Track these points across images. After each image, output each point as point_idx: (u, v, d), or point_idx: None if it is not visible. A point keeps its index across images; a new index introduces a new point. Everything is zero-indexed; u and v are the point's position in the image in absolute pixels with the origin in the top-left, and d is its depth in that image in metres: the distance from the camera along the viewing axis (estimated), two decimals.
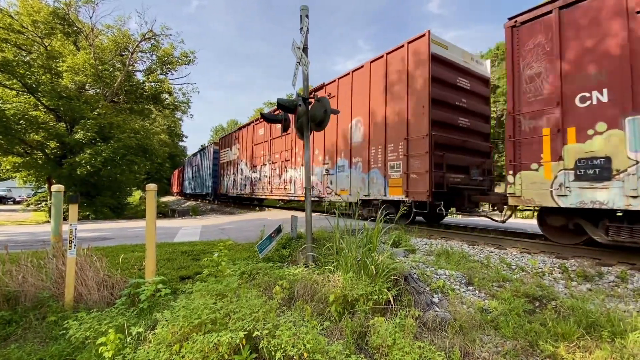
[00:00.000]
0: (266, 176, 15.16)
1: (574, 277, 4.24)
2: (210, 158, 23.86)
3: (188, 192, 33.42)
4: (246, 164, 17.52)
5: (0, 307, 2.98)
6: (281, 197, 14.13)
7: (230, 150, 20.32)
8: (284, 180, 13.47)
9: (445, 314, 2.89)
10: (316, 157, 11.39)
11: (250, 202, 20.49)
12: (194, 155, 31.39)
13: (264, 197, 15.79)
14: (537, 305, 3.26)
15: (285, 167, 13.37)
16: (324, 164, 10.97)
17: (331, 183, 10.45)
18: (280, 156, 13.99)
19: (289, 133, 12.70)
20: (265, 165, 15.29)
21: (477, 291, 3.63)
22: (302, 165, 11.53)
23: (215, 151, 23.21)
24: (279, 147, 14.15)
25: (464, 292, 3.58)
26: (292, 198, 13.10)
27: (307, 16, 4.53)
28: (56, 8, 18.13)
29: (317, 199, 11.06)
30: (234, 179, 19.53)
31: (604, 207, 4.79)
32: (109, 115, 17.53)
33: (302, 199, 11.26)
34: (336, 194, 10.04)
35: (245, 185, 17.58)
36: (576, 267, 4.55)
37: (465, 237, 6.83)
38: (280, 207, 17.88)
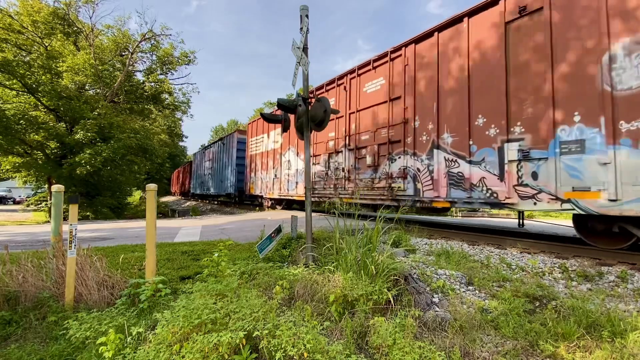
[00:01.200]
0: (339, 169, 10.03)
1: (574, 277, 4.24)
2: (232, 150, 19.13)
3: (197, 192, 27.99)
4: (297, 154, 12.48)
5: (1, 307, 2.98)
6: (376, 202, 8.49)
7: (268, 136, 15.11)
8: (385, 174, 8.30)
9: (446, 314, 2.88)
10: (478, 128, 6.21)
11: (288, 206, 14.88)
12: (207, 147, 25.85)
13: (335, 199, 10.02)
14: (537, 305, 3.25)
15: (390, 153, 8.25)
16: (508, 139, 5.74)
17: (534, 177, 5.42)
18: (373, 138, 8.85)
19: (399, 97, 8.11)
20: (338, 152, 10.15)
21: (477, 291, 3.63)
22: (431, 147, 7.21)
23: (240, 141, 18.51)
24: (369, 121, 9.00)
25: (464, 292, 3.58)
26: (412, 203, 7.56)
27: (307, 16, 4.53)
28: (56, 8, 18.18)
29: (485, 203, 6.09)
30: (274, 175, 14.32)
31: None
32: (108, 115, 17.56)
33: (446, 204, 6.95)
34: (554, 197, 5.13)
35: (297, 183, 12.36)
36: (576, 267, 4.55)
37: (465, 236, 6.83)
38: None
